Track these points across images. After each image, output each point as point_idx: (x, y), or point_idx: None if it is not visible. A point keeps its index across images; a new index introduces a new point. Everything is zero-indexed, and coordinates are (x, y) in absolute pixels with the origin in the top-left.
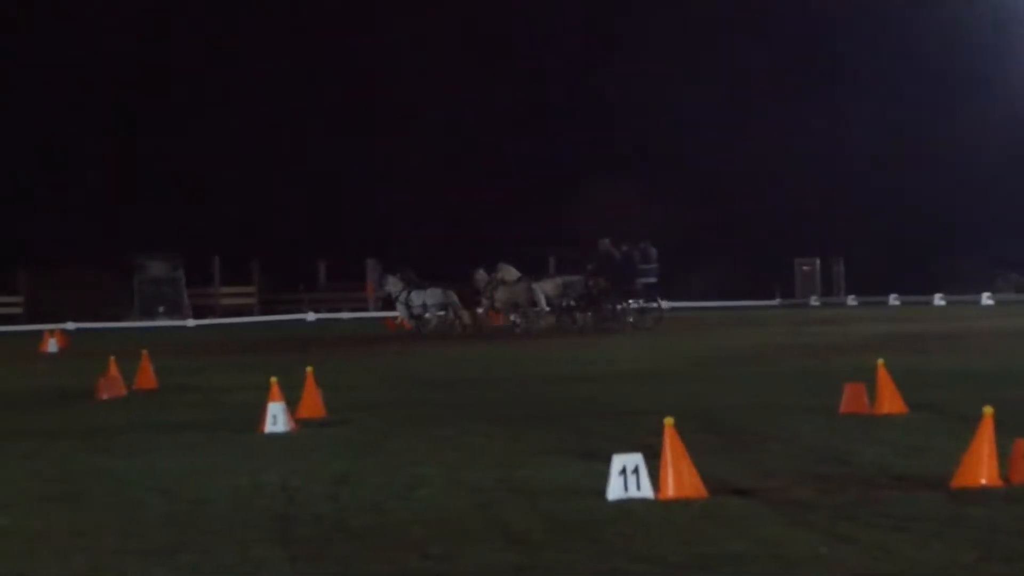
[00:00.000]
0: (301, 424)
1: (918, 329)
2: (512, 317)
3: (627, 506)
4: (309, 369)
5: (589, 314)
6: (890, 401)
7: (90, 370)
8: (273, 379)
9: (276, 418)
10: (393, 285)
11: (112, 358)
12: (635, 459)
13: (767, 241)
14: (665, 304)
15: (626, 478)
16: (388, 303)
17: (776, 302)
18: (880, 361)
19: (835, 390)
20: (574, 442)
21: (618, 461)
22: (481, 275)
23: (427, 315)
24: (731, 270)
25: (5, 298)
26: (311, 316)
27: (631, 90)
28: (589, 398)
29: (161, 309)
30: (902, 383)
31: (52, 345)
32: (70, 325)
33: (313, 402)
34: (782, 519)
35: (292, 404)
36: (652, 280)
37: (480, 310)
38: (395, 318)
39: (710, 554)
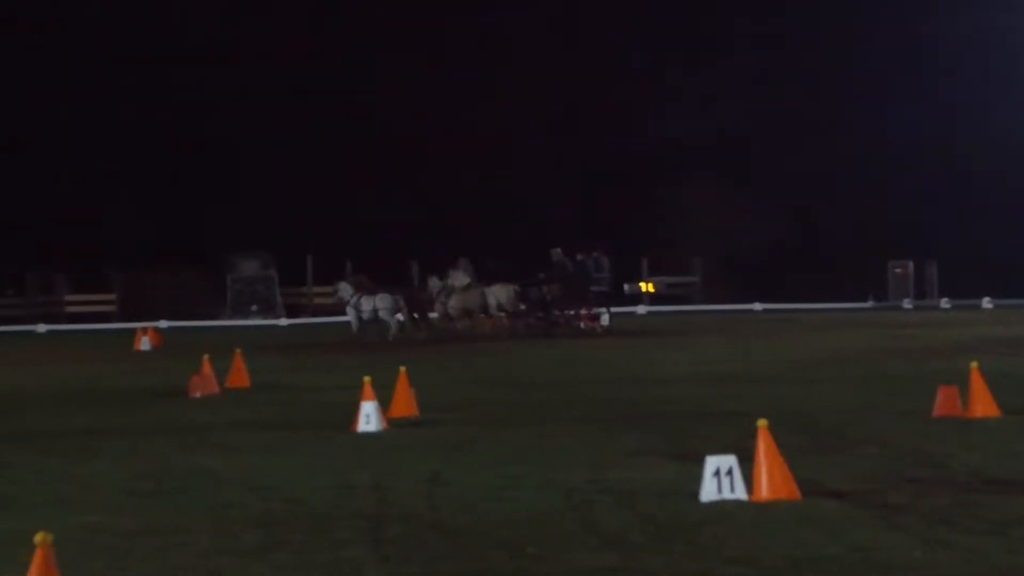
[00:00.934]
0: (393, 423)
1: (1012, 332)
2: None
3: (721, 508)
4: (402, 368)
5: (540, 317)
6: (984, 404)
7: (183, 368)
8: (366, 378)
9: (369, 417)
10: (344, 291)
11: (205, 356)
12: (729, 461)
13: (860, 243)
14: (757, 306)
15: (720, 480)
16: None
17: (869, 304)
18: (974, 364)
19: (928, 393)
20: (667, 443)
21: (712, 463)
22: (434, 282)
23: (381, 319)
24: (824, 272)
25: (99, 296)
26: (402, 315)
27: (720, 89)
28: (681, 399)
29: (254, 308)
30: (996, 386)
31: (145, 343)
32: (163, 323)
33: (406, 401)
34: (876, 522)
35: (385, 403)
36: (604, 289)
37: (434, 315)
38: (492, 317)
39: (804, 557)
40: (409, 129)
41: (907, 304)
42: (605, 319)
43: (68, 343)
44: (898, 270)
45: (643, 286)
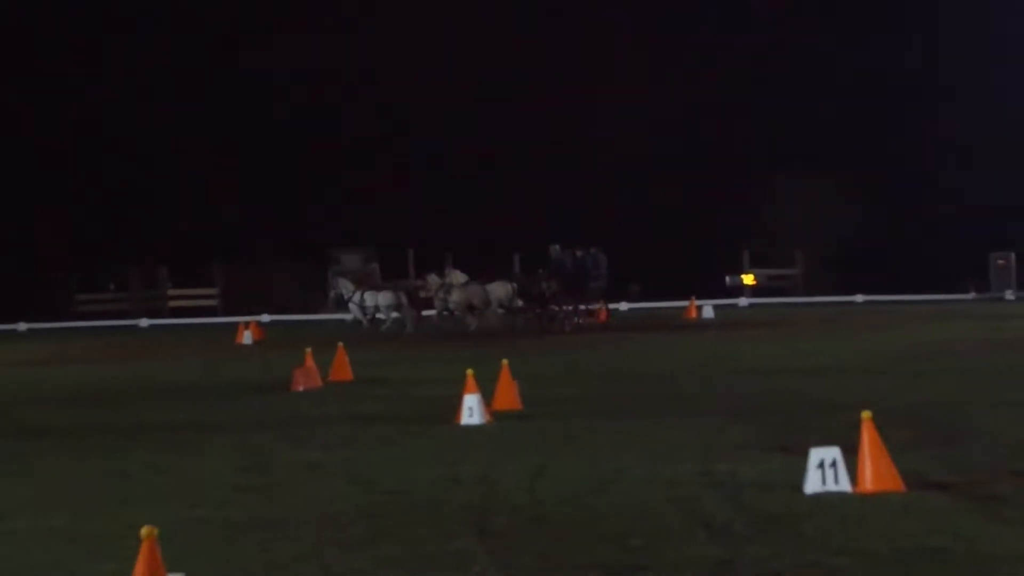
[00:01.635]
0: (497, 416)
1: None
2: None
3: (825, 500)
4: (504, 361)
5: (539, 313)
6: None
7: (285, 362)
8: (469, 371)
9: (472, 410)
10: (344, 287)
11: (308, 350)
12: (833, 453)
13: (962, 235)
14: (859, 298)
15: (824, 472)
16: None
17: (971, 296)
18: None
19: None
20: (770, 435)
21: (816, 455)
22: (433, 279)
23: (380, 315)
24: (925, 264)
25: (201, 291)
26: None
27: (823, 82)
28: (784, 391)
29: None
30: None
31: (247, 337)
32: (265, 317)
33: (509, 394)
34: (982, 514)
35: (488, 396)
36: (601, 284)
37: (433, 312)
38: (610, 310)
39: (910, 549)
40: (512, 126)
41: (1009, 295)
42: (603, 313)
43: (171, 338)
44: (1000, 261)
45: (745, 278)
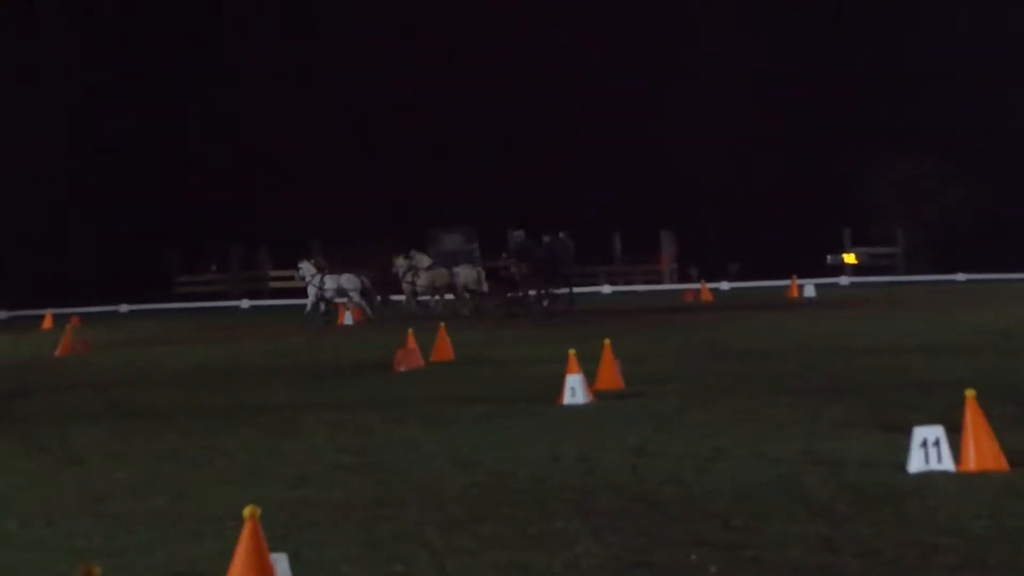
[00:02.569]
0: (599, 396)
1: None
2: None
3: (928, 479)
4: (606, 341)
5: (509, 297)
6: None
7: (387, 342)
8: (571, 351)
9: (574, 390)
10: (306, 270)
11: (410, 330)
12: (936, 431)
13: None
14: (960, 277)
15: (927, 450)
16: (684, 275)
17: None
18: None
19: None
20: (873, 414)
21: (919, 433)
22: (401, 262)
23: (346, 300)
24: None
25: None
26: (607, 288)
27: (932, 63)
28: (886, 370)
29: None
30: None
31: (349, 318)
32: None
33: (611, 374)
34: None
35: (590, 376)
36: (568, 270)
37: (404, 296)
38: (697, 291)
39: (1015, 528)
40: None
41: None
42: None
43: (271, 318)
44: None
45: (846, 257)
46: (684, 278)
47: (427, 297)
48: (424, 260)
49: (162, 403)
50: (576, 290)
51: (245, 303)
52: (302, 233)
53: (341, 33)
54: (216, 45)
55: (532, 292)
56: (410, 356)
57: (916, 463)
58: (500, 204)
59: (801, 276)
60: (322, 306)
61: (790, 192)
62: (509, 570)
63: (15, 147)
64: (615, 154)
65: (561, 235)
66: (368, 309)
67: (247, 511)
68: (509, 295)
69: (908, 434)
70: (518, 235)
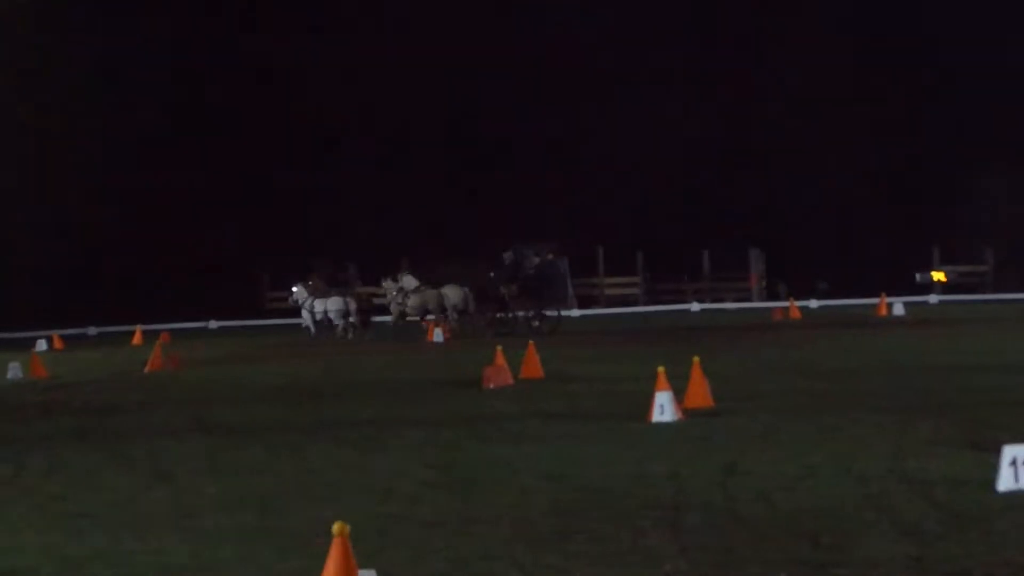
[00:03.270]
0: (688, 413)
1: None
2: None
3: (1018, 498)
4: (696, 359)
5: (495, 317)
6: None
7: (476, 359)
8: (660, 368)
9: (664, 407)
10: (300, 294)
11: (499, 347)
12: None
13: None
14: None
15: (1017, 469)
16: (772, 293)
17: None
18: None
19: None
20: (961, 432)
21: (1009, 452)
22: (388, 284)
23: (333, 322)
24: None
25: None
26: (695, 306)
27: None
28: (975, 388)
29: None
30: None
31: (438, 335)
32: (453, 315)
33: (700, 391)
34: None
35: (679, 393)
36: (561, 292)
37: (391, 317)
38: (785, 308)
39: None
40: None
41: None
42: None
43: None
44: None
45: (935, 275)
46: (772, 296)
47: (416, 317)
48: (412, 282)
49: (250, 419)
50: (663, 308)
51: None
52: (391, 250)
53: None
54: (306, 61)
55: (521, 313)
56: (499, 373)
57: (1006, 482)
58: (586, 222)
59: (890, 294)
60: (312, 328)
61: (879, 210)
62: None
63: (106, 163)
64: (703, 171)
65: (551, 257)
66: (350, 330)
67: (336, 527)
68: (498, 316)
69: (997, 453)
70: (507, 256)
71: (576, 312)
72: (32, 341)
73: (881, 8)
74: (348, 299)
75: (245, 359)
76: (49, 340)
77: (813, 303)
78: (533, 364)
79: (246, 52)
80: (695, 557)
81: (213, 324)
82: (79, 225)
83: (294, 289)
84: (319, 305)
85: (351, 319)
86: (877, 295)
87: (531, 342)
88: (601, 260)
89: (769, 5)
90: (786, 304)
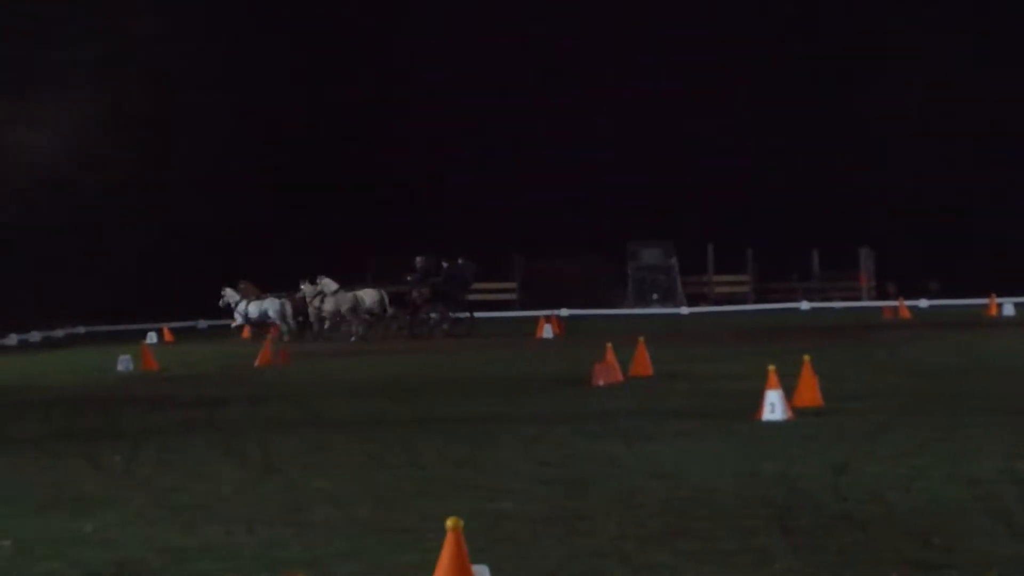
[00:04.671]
0: (798, 412)
1: None
2: (349, 326)
3: None
4: (806, 357)
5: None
6: None
7: (585, 356)
8: (771, 367)
9: (774, 406)
10: (231, 296)
11: (609, 345)
12: None
13: None
14: None
15: None
16: (882, 293)
17: None
18: None
19: None
20: None
21: None
22: (307, 287)
23: (274, 323)
24: None
25: (501, 284)
26: (804, 305)
27: None
28: None
29: (655, 296)
30: None
31: (547, 331)
32: (564, 311)
33: (810, 390)
34: None
35: (789, 392)
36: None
37: (311, 319)
38: (895, 308)
39: None
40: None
41: None
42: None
43: (471, 331)
44: None
45: None
46: (882, 295)
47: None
48: (331, 285)
49: (361, 414)
50: (772, 306)
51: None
52: (502, 245)
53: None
54: (410, 52)
55: (434, 315)
56: (609, 370)
57: None
58: (695, 220)
59: (1000, 295)
60: (242, 329)
61: (990, 209)
62: None
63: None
64: (813, 170)
65: (460, 260)
66: (285, 331)
67: (450, 522)
68: (411, 318)
69: None
70: (420, 260)
71: (685, 310)
72: (142, 334)
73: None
74: (284, 301)
75: (354, 354)
76: (159, 333)
77: (923, 303)
78: (643, 362)
79: (347, 43)
80: (806, 557)
81: None
82: (191, 221)
83: (224, 292)
84: (254, 308)
85: (290, 320)
86: (987, 296)
87: (641, 339)
88: (711, 258)
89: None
90: (895, 304)
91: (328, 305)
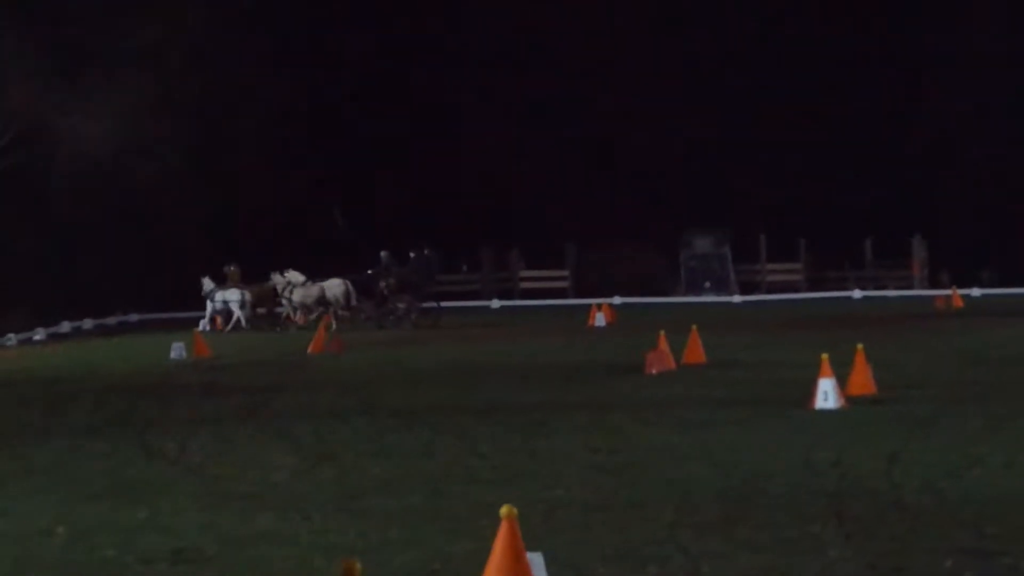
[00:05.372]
0: (851, 401)
1: None
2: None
3: None
4: (859, 346)
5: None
6: None
7: (638, 345)
8: (824, 355)
9: (827, 394)
10: (207, 285)
11: (662, 333)
12: None
13: None
14: None
15: None
16: (935, 281)
17: None
18: None
19: None
20: None
21: None
22: (277, 278)
23: (235, 312)
24: None
25: (554, 272)
26: (857, 293)
27: None
28: None
29: (707, 284)
30: None
31: (600, 319)
32: (617, 300)
33: (863, 379)
34: None
35: (842, 381)
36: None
37: (280, 310)
38: (948, 297)
39: None
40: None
41: None
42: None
43: (522, 319)
44: None
45: None
46: (935, 284)
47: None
48: (298, 277)
49: (414, 402)
50: (825, 294)
51: (496, 303)
52: (555, 234)
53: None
54: (471, 41)
55: (401, 305)
56: (662, 358)
57: None
58: (749, 208)
59: None
60: (210, 319)
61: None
62: (764, 574)
63: (268, 140)
64: (867, 159)
65: (426, 252)
66: (243, 320)
67: (505, 510)
68: (379, 309)
69: None
70: (385, 254)
71: (737, 298)
72: (195, 321)
73: None
74: (244, 291)
75: (407, 342)
76: (212, 320)
77: (976, 291)
78: (696, 350)
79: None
80: (859, 545)
81: None
82: (245, 207)
83: (203, 281)
84: (219, 295)
85: (246, 311)
86: None
87: (694, 327)
88: (764, 247)
89: None
90: (948, 292)
91: (296, 296)
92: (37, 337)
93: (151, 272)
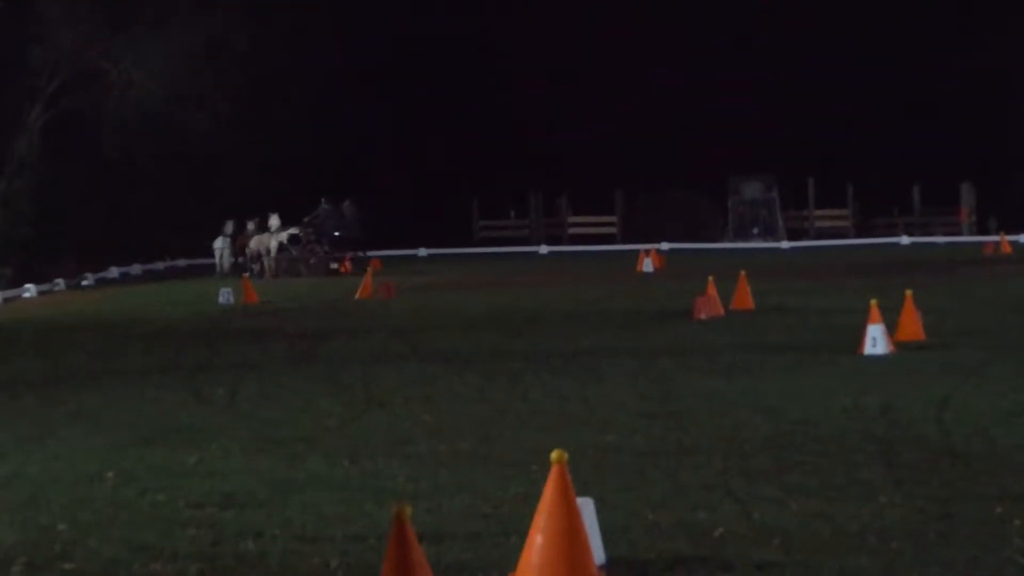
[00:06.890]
0: (900, 347)
1: None
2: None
3: None
4: (908, 292)
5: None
6: None
7: (686, 291)
8: (873, 301)
9: (876, 340)
10: (222, 237)
11: (710, 278)
12: None
13: None
14: None
15: None
16: (983, 228)
17: None
18: None
19: None
20: None
21: None
22: (251, 227)
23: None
24: None
25: (602, 218)
26: (905, 240)
27: None
28: None
29: (755, 231)
30: None
31: (648, 265)
32: (664, 245)
33: (912, 325)
34: None
35: (890, 327)
36: (352, 235)
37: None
38: (996, 243)
39: None
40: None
41: None
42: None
43: (570, 265)
44: None
45: None
46: (983, 230)
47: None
48: (277, 222)
49: (464, 347)
50: (873, 241)
51: (544, 249)
52: (603, 180)
53: None
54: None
55: (322, 252)
56: (710, 304)
57: None
58: (798, 154)
59: None
60: (222, 265)
61: None
62: (814, 520)
63: (329, 93)
64: (915, 105)
65: (345, 203)
66: (225, 267)
67: (555, 455)
68: (297, 256)
69: None
70: (323, 208)
71: (786, 244)
72: (241, 267)
73: None
74: (227, 239)
75: (455, 287)
76: (260, 265)
77: None
78: (744, 295)
79: None
80: (909, 491)
81: (423, 252)
82: (294, 154)
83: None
84: (217, 243)
85: (228, 259)
86: None
87: (743, 273)
88: (812, 193)
89: None
90: (997, 239)
91: (252, 244)
92: (85, 283)
93: (201, 219)
